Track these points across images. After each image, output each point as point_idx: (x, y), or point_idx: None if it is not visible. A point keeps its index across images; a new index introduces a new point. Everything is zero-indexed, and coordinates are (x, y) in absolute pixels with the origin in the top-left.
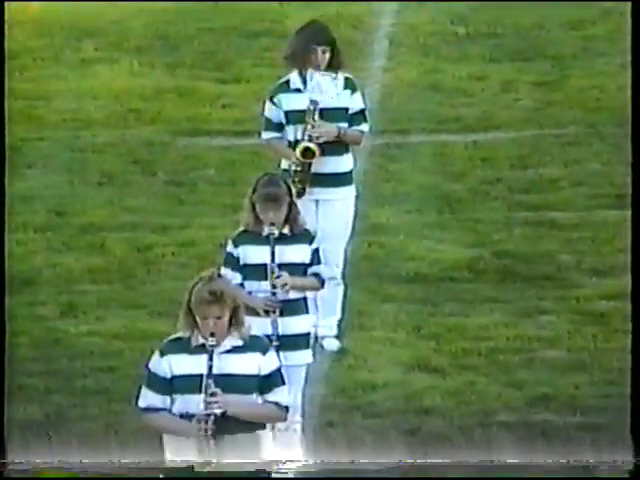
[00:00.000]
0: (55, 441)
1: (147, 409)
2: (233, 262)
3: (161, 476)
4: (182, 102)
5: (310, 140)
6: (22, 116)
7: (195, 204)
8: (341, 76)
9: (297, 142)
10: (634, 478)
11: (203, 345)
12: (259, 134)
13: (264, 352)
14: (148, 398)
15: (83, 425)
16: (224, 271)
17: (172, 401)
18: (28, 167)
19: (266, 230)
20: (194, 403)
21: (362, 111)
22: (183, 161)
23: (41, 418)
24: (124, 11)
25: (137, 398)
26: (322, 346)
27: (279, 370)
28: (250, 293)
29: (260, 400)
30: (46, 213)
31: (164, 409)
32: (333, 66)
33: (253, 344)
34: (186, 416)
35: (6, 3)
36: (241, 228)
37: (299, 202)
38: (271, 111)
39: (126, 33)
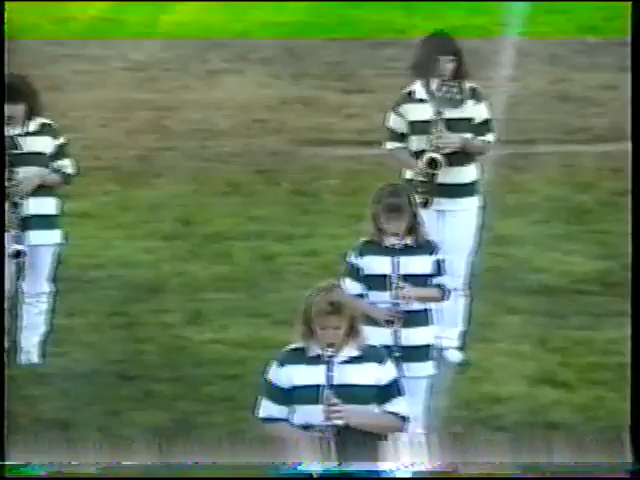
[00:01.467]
0: (180, 447)
1: (267, 419)
2: (355, 272)
3: None
4: (307, 112)
5: (435, 150)
6: (151, 126)
7: (319, 213)
8: (466, 86)
9: (422, 152)
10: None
11: (321, 355)
12: (383, 144)
13: (381, 362)
14: (267, 408)
15: (208, 432)
16: (345, 281)
17: (292, 411)
18: (156, 176)
19: (389, 241)
20: (314, 414)
21: (487, 121)
22: (307, 171)
23: (168, 424)
24: (250, 24)
25: (257, 408)
26: (445, 358)
27: (397, 381)
28: (372, 304)
29: (379, 411)
30: (173, 222)
31: (283, 419)
32: (458, 76)
33: (370, 354)
34: (307, 427)
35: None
36: (364, 238)
37: (423, 213)
38: (395, 121)
39: (252, 45)
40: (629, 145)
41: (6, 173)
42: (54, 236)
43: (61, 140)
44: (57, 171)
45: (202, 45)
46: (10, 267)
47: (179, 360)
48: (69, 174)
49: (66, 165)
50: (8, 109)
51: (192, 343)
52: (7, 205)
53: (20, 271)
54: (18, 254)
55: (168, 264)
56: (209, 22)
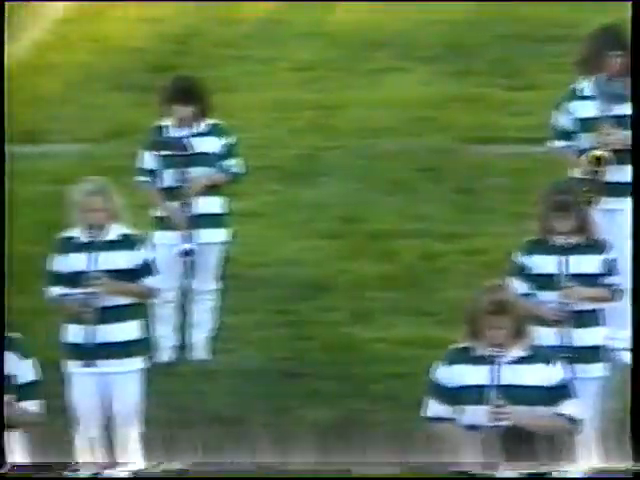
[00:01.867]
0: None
1: (433, 419)
2: (521, 271)
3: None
4: (472, 110)
5: (602, 148)
6: (316, 125)
7: (484, 212)
8: (628, 82)
9: (588, 150)
10: None
11: (487, 355)
12: (549, 142)
13: (549, 363)
14: (434, 408)
15: (374, 430)
16: (512, 280)
17: (459, 411)
18: (321, 175)
19: (556, 240)
20: (479, 414)
21: None
22: (472, 169)
23: (334, 421)
24: (415, 21)
25: (423, 407)
26: (617, 359)
27: (567, 382)
28: (539, 303)
29: (547, 412)
30: (337, 220)
31: (450, 419)
32: (624, 72)
33: (538, 355)
34: (474, 427)
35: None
36: (530, 237)
37: (591, 211)
38: (561, 118)
39: (417, 42)
40: None
41: (177, 174)
42: (222, 234)
43: (229, 140)
44: (225, 170)
45: (367, 44)
46: (180, 265)
47: (344, 358)
48: (237, 173)
49: (234, 164)
50: (179, 111)
51: (357, 341)
52: (177, 205)
53: (189, 269)
54: (188, 253)
55: (333, 262)
56: (374, 21)
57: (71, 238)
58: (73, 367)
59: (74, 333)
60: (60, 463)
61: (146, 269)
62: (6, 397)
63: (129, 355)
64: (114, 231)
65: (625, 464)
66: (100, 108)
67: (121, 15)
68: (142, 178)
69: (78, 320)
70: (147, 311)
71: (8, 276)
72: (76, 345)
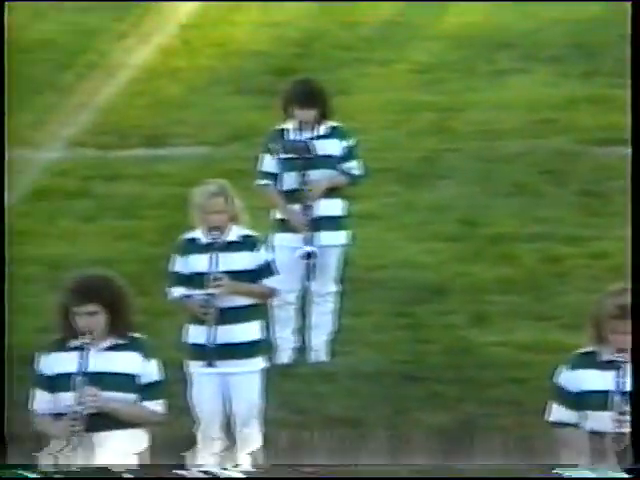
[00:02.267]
0: (463, 449)
1: (556, 423)
2: None
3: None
4: (597, 111)
5: None
6: (435, 127)
7: (608, 215)
8: None
9: None
10: None
11: (612, 360)
12: None
13: None
14: (557, 413)
15: (493, 435)
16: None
17: (583, 417)
18: (440, 178)
19: None
20: (604, 420)
21: None
22: (596, 171)
23: (452, 425)
24: (539, 21)
25: (547, 411)
26: None
27: None
28: None
29: None
30: (457, 223)
31: (573, 424)
32: None
33: None
34: (598, 433)
35: None
36: None
37: None
38: None
39: (541, 43)
40: None
41: (298, 176)
42: (342, 237)
43: (350, 142)
44: (346, 173)
45: (489, 45)
46: (300, 268)
47: (463, 362)
48: (357, 175)
49: (354, 167)
50: (301, 113)
51: (477, 345)
52: (298, 207)
53: (309, 271)
54: (309, 255)
55: (452, 265)
56: (497, 21)
57: (192, 239)
58: (194, 367)
59: (195, 334)
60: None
61: (266, 270)
62: (130, 396)
63: (249, 356)
64: (234, 232)
65: (625, 464)
66: (222, 111)
67: (243, 20)
68: (263, 181)
69: (199, 321)
70: (267, 312)
71: (132, 277)
72: (197, 345)
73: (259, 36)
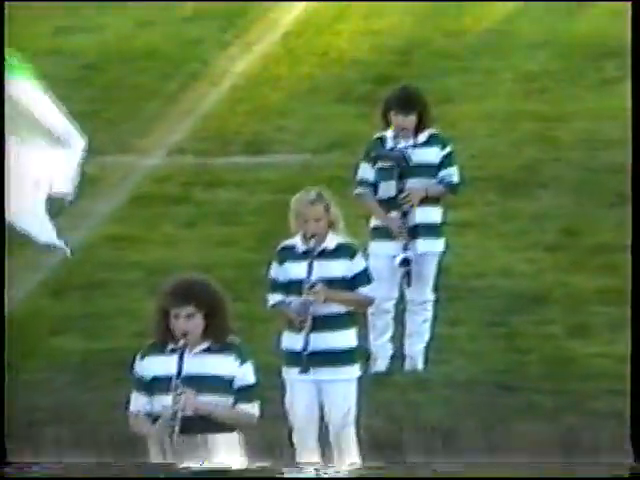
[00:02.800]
0: (558, 460)
1: None
2: None
3: None
4: None
5: None
6: (537, 137)
7: None
8: None
9: None
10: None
11: None
12: None
13: None
14: None
15: (593, 447)
16: None
17: None
18: (540, 187)
19: None
20: None
21: None
22: None
23: (550, 436)
24: None
25: None
26: None
27: None
28: None
29: None
30: (556, 233)
31: None
32: None
33: None
34: None
35: None
36: None
37: None
38: None
39: None
40: None
41: (396, 185)
42: (439, 244)
43: (448, 150)
44: (444, 181)
45: (595, 53)
46: (397, 276)
47: (562, 372)
48: (455, 183)
49: (452, 174)
50: (400, 121)
51: (576, 356)
52: (396, 215)
53: (406, 279)
54: (406, 262)
55: (551, 275)
56: (603, 30)
57: (290, 247)
58: (289, 374)
59: (291, 340)
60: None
61: (362, 278)
62: (226, 399)
63: (344, 363)
64: (332, 240)
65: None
66: (322, 119)
67: (345, 28)
68: (361, 189)
69: (295, 327)
70: (362, 320)
71: (230, 282)
72: (292, 352)
73: (360, 44)
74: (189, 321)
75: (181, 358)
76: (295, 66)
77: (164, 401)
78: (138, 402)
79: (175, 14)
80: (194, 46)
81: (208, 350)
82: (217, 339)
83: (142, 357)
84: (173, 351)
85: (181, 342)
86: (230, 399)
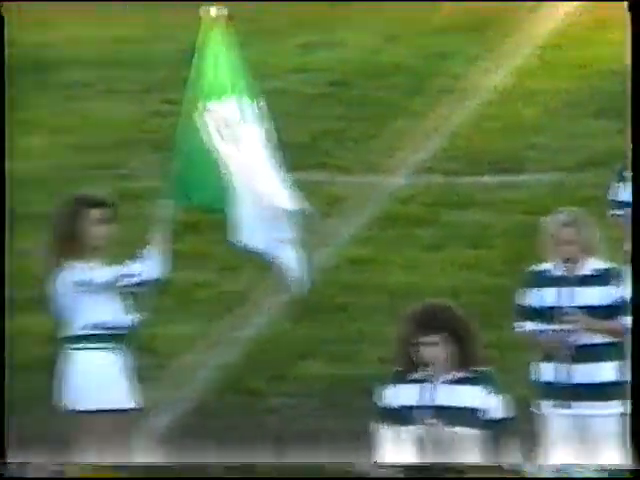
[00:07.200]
0: None
1: None
2: None
3: None
4: None
5: None
6: None
7: None
8: None
9: None
10: None
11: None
12: None
13: None
14: None
15: None
16: None
17: None
18: None
19: None
20: None
21: None
22: None
23: None
24: None
25: None
26: None
27: None
28: None
29: None
30: None
31: None
32: None
33: None
34: None
35: None
36: None
37: None
38: None
39: None
40: None
41: None
42: None
43: None
44: None
45: None
46: None
47: None
48: None
49: None
50: None
51: None
52: None
53: None
54: None
55: None
56: None
57: (543, 271)
58: (546, 407)
59: (547, 371)
60: None
61: (622, 306)
62: (475, 432)
63: (605, 398)
64: (589, 265)
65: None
66: (578, 136)
67: (605, 38)
68: (616, 211)
69: (551, 358)
70: (625, 352)
71: (477, 308)
72: (549, 384)
73: (620, 55)
74: (434, 349)
75: (427, 388)
76: (551, 80)
77: (410, 432)
78: (383, 433)
79: (422, 27)
80: (442, 60)
81: (456, 380)
82: (465, 368)
83: (387, 385)
84: (419, 380)
85: (426, 371)
86: (480, 432)
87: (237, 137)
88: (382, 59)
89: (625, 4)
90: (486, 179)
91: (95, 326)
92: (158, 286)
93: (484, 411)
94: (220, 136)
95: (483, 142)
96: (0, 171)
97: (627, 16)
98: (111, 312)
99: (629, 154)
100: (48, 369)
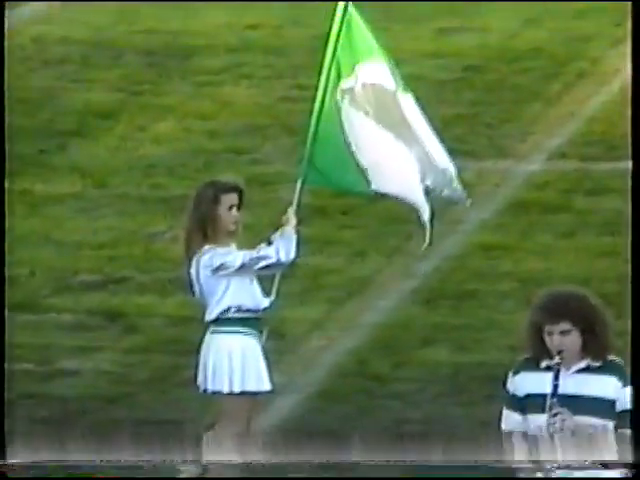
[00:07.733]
0: None
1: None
2: None
3: None
4: None
5: None
6: None
7: None
8: None
9: None
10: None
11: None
12: None
13: None
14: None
15: None
16: None
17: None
18: None
19: None
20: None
21: None
22: None
23: None
24: None
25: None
26: None
27: None
28: None
29: None
30: None
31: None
32: None
33: None
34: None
35: None
36: None
37: None
38: None
39: None
40: None
41: None
42: None
43: None
44: None
45: None
46: None
47: None
48: None
49: None
50: None
51: None
52: None
53: None
54: None
55: None
56: None
57: None
58: None
59: None
60: None
61: None
62: (606, 422)
63: None
64: None
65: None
66: None
67: None
68: None
69: None
70: None
71: (611, 297)
72: None
73: None
74: (564, 338)
75: (557, 376)
76: None
77: (538, 421)
78: (511, 420)
79: (565, 9)
80: (583, 43)
81: (587, 369)
82: (597, 358)
83: (515, 373)
84: (548, 368)
85: (556, 359)
86: (610, 423)
87: (391, 106)
88: (520, 43)
89: None
90: (623, 165)
91: (235, 309)
92: (288, 269)
93: (615, 402)
94: (365, 112)
95: (622, 127)
96: (0, 171)
97: None
98: (249, 295)
99: None
100: (179, 350)
